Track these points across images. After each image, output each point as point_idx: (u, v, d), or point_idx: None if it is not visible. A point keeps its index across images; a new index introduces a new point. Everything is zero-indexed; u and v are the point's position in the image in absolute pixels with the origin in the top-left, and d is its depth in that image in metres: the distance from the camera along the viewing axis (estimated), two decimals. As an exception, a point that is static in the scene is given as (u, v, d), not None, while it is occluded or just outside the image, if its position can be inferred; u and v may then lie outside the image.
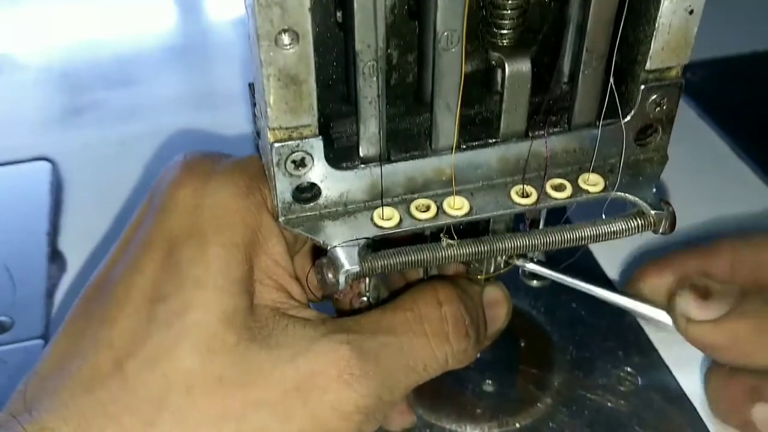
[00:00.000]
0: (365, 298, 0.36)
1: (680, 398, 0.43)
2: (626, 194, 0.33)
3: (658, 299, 0.40)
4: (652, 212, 0.33)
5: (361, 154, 0.31)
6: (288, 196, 0.31)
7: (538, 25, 0.34)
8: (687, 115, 0.65)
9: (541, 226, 0.37)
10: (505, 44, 0.32)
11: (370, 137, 0.31)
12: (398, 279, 0.40)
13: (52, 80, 0.72)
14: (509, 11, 0.31)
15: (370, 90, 0.29)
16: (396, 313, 0.34)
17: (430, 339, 0.33)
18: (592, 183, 0.34)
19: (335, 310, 0.40)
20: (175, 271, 0.30)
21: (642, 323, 0.47)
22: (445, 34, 0.29)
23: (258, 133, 0.33)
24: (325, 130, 0.31)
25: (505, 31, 0.31)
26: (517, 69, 0.31)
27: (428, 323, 0.33)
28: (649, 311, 0.41)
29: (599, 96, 0.33)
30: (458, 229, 0.33)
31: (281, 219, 0.32)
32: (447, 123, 0.31)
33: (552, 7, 0.33)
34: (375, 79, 0.29)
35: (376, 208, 0.32)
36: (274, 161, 0.30)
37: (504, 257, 0.39)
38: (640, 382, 0.44)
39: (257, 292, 0.32)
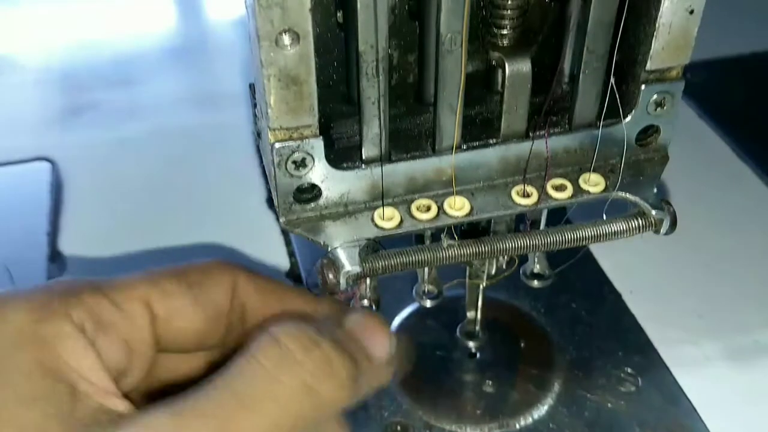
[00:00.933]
0: (365, 300, 0.36)
1: (680, 398, 0.43)
2: (627, 194, 0.33)
3: None
4: (653, 212, 0.33)
5: (364, 155, 0.31)
6: (289, 197, 0.31)
7: (538, 25, 0.34)
8: (687, 115, 0.65)
9: (541, 227, 0.37)
10: (505, 44, 0.32)
11: (373, 138, 0.31)
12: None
13: (52, 81, 0.72)
14: (509, 11, 0.31)
15: (373, 90, 0.29)
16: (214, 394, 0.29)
17: None
18: (593, 183, 0.34)
19: None
20: None
21: (642, 323, 0.48)
22: (449, 36, 0.29)
23: (258, 134, 0.33)
24: (325, 130, 0.31)
25: (505, 32, 0.32)
26: (518, 69, 0.31)
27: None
28: None
29: (600, 96, 0.33)
30: (460, 229, 0.33)
31: (282, 220, 0.32)
32: (450, 124, 0.31)
33: (552, 7, 0.33)
34: (378, 79, 0.29)
35: (376, 208, 0.32)
36: (275, 162, 0.30)
37: (505, 257, 0.39)
38: (640, 383, 0.44)
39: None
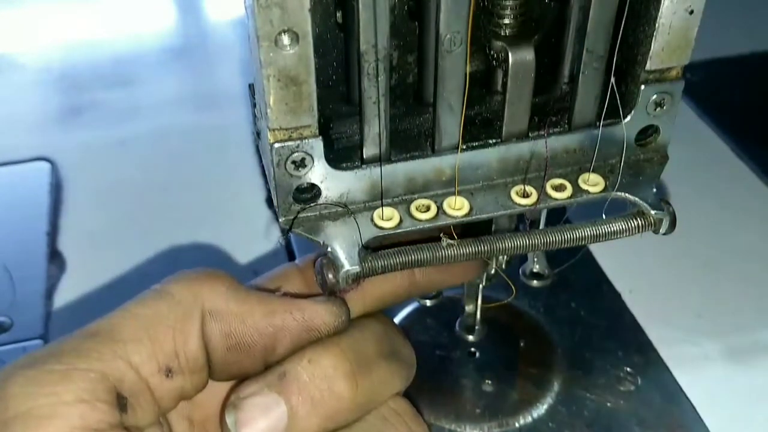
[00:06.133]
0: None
1: (680, 398, 0.43)
2: (626, 194, 0.33)
3: None
4: (653, 212, 0.33)
5: (364, 155, 0.31)
6: (288, 197, 0.31)
7: (540, 15, 0.33)
8: (687, 115, 0.65)
9: (541, 226, 0.37)
10: (507, 34, 0.31)
11: (373, 137, 0.31)
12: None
13: (51, 80, 0.72)
14: (511, 1, 0.31)
15: (374, 90, 0.29)
16: None
17: None
18: (593, 183, 0.34)
19: None
20: None
21: (642, 322, 0.48)
22: (448, 36, 0.29)
23: (258, 134, 0.33)
24: (325, 130, 0.31)
25: (507, 21, 0.31)
26: (521, 58, 0.31)
27: None
28: None
29: (599, 96, 0.33)
30: (460, 229, 0.33)
31: (281, 219, 0.32)
32: (449, 124, 0.31)
33: (552, 6, 0.33)
34: (379, 79, 0.29)
35: (376, 208, 0.32)
36: (274, 162, 0.30)
37: (505, 257, 0.39)
38: (639, 382, 0.44)
39: None
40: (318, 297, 0.32)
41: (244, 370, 0.31)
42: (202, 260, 0.53)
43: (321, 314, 0.31)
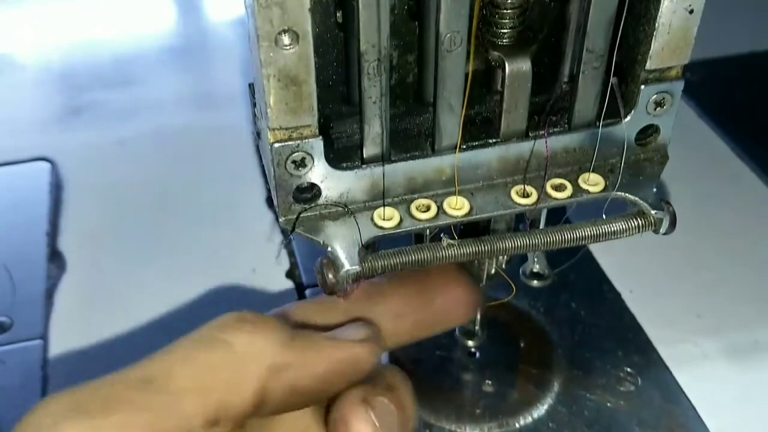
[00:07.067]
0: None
1: (680, 398, 0.43)
2: (626, 194, 0.33)
3: None
4: (653, 212, 0.33)
5: (365, 155, 0.31)
6: (288, 197, 0.31)
7: (538, 25, 0.34)
8: (687, 115, 0.65)
9: (541, 226, 0.37)
10: (505, 43, 0.32)
11: (374, 137, 0.31)
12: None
13: (51, 80, 0.72)
14: (509, 11, 0.31)
15: (374, 90, 0.29)
16: None
17: None
18: (593, 183, 0.34)
19: None
20: None
21: (642, 322, 0.48)
22: (449, 35, 0.29)
23: (258, 134, 0.33)
24: (325, 130, 0.31)
25: (505, 31, 0.31)
26: (518, 68, 0.31)
27: None
28: None
29: (599, 96, 0.33)
30: (460, 229, 0.33)
31: (281, 219, 0.32)
32: (449, 123, 0.31)
33: (552, 6, 0.33)
34: (379, 79, 0.29)
35: (376, 208, 0.32)
36: (275, 162, 0.30)
37: (505, 257, 0.39)
38: (639, 382, 0.44)
39: None
40: (350, 330, 0.33)
41: (291, 409, 0.31)
42: (203, 260, 0.53)
43: (366, 355, 0.32)
